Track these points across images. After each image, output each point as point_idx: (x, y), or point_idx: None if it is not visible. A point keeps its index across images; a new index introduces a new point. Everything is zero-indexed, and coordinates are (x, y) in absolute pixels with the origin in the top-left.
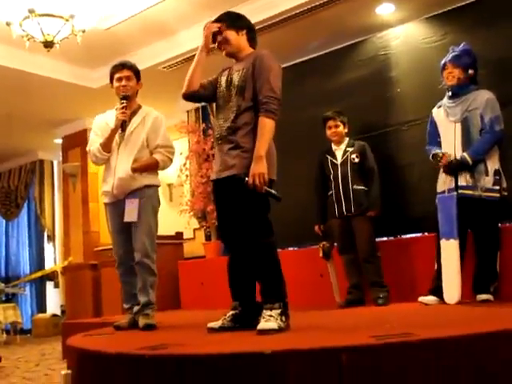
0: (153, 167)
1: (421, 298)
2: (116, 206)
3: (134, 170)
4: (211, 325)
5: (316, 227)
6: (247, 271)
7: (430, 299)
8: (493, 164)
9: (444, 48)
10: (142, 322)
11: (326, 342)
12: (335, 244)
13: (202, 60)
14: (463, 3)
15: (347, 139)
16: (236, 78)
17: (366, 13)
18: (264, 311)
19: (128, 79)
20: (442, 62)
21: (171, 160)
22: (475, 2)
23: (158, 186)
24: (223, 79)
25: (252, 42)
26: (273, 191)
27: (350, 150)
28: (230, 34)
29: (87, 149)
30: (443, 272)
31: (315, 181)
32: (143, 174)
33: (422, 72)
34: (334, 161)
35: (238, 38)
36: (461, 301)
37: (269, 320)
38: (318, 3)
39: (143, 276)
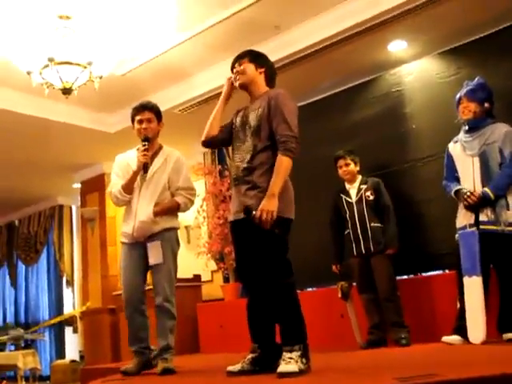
0: (174, 210)
1: (444, 338)
2: (135, 247)
3: (156, 214)
4: (230, 368)
5: (334, 267)
6: (266, 313)
7: (454, 339)
8: None
9: (458, 82)
10: (160, 366)
11: None
12: (353, 284)
13: (221, 109)
14: (475, 37)
15: (360, 177)
16: (252, 118)
17: (378, 50)
18: (284, 353)
19: (149, 121)
20: (457, 96)
21: (192, 202)
22: (487, 36)
23: (177, 229)
24: (238, 120)
25: (270, 81)
26: (276, 231)
27: (364, 187)
28: (248, 67)
29: (108, 190)
30: (467, 310)
31: (330, 221)
32: (164, 217)
33: (437, 107)
34: (348, 200)
35: (255, 73)
36: (486, 340)
37: (289, 362)
38: (330, 42)
39: (163, 320)
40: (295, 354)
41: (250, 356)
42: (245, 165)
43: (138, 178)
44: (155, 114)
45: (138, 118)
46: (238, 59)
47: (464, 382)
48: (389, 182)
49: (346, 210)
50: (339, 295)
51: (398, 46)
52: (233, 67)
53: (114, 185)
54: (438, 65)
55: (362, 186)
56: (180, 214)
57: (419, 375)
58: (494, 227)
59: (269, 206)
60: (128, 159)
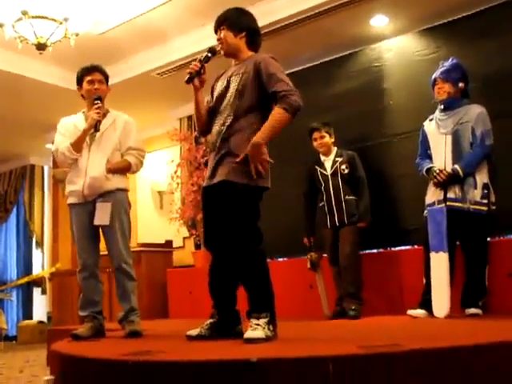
0: (126, 169)
1: (409, 311)
2: (84, 208)
3: (109, 171)
4: (189, 333)
5: (305, 239)
6: (229, 279)
7: (419, 312)
8: (481, 178)
9: (436, 61)
10: (127, 328)
11: (313, 351)
12: (324, 255)
13: (198, 98)
14: (456, 17)
15: (335, 149)
16: (235, 81)
17: (361, 24)
18: (251, 320)
19: (100, 82)
20: (432, 77)
21: (142, 163)
22: (468, 16)
23: (128, 191)
24: (219, 85)
25: (252, 44)
26: None
27: (339, 160)
28: (228, 36)
29: (53, 149)
30: (432, 285)
31: (304, 192)
32: (115, 175)
33: (415, 85)
34: (323, 172)
35: (235, 40)
36: (450, 314)
37: (256, 329)
38: (313, 12)
39: (123, 282)
40: (262, 321)
41: (208, 321)
42: (224, 128)
43: (87, 136)
44: (104, 77)
45: (88, 78)
46: (218, 25)
47: (425, 352)
48: (364, 156)
49: (321, 182)
50: (308, 266)
51: (379, 21)
52: (215, 32)
53: (61, 143)
54: (417, 42)
55: (337, 159)
56: (154, 179)
57: (383, 345)
58: (461, 205)
59: (258, 155)
60: (74, 121)
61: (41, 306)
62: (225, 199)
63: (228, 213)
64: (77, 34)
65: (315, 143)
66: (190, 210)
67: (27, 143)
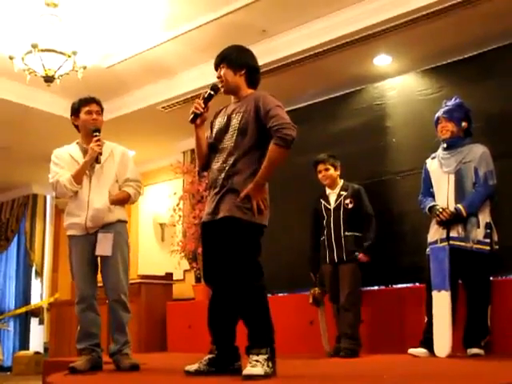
0: (125, 201)
1: (411, 350)
2: (86, 240)
3: (112, 202)
4: (187, 368)
5: (311, 274)
6: (229, 314)
7: (420, 351)
8: (484, 217)
9: (439, 101)
10: (125, 362)
11: None
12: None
13: (199, 135)
14: (459, 58)
15: (342, 182)
16: (236, 119)
17: (364, 63)
18: (250, 356)
19: (98, 113)
20: (436, 116)
21: (140, 194)
22: (470, 57)
23: (127, 222)
24: (219, 121)
25: (251, 81)
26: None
27: (344, 194)
28: (227, 74)
29: (51, 180)
30: (434, 324)
31: (310, 227)
32: (116, 207)
33: (417, 123)
34: (327, 206)
35: (235, 78)
36: (451, 354)
37: (255, 365)
38: (317, 51)
39: (120, 314)
40: (261, 357)
41: (207, 357)
42: (227, 166)
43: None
44: (101, 109)
45: (86, 108)
46: (218, 63)
47: None
48: (367, 193)
49: (324, 215)
50: (310, 301)
51: (383, 61)
52: (216, 69)
53: (60, 175)
54: (420, 82)
55: (341, 193)
56: (156, 211)
57: None
58: (464, 244)
59: (259, 194)
60: (69, 152)
61: (38, 336)
62: (227, 234)
63: (230, 248)
64: (84, 67)
65: (319, 175)
66: (191, 242)
67: (30, 172)
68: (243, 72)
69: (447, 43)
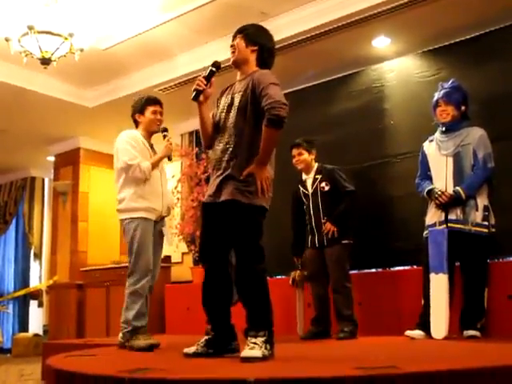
0: None
1: (407, 332)
2: (155, 225)
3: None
4: (186, 350)
5: (294, 258)
6: (223, 295)
7: (417, 333)
8: (482, 200)
9: (437, 83)
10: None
11: (310, 371)
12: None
13: (202, 113)
14: (458, 40)
15: (316, 165)
16: (238, 99)
17: (363, 45)
18: (249, 338)
19: (161, 114)
20: (434, 99)
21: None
22: (469, 39)
23: None
24: (223, 101)
25: (262, 61)
26: None
27: (319, 177)
28: (240, 44)
29: (130, 162)
30: (431, 306)
31: (291, 212)
32: None
33: (416, 105)
34: (305, 191)
35: (245, 51)
36: (448, 336)
37: (253, 348)
38: (316, 33)
39: (147, 301)
40: (259, 340)
41: (204, 338)
42: (230, 147)
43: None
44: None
45: (153, 108)
46: (236, 34)
47: (421, 375)
48: (364, 176)
49: (304, 201)
50: (290, 282)
51: (381, 42)
52: (232, 39)
53: (141, 160)
54: (419, 64)
55: (316, 176)
56: None
57: (380, 366)
58: (462, 226)
59: (262, 173)
60: (141, 139)
61: (37, 318)
62: (230, 218)
63: (233, 231)
64: (81, 50)
65: (293, 160)
66: (189, 225)
67: (28, 155)
68: (255, 48)
69: (446, 25)
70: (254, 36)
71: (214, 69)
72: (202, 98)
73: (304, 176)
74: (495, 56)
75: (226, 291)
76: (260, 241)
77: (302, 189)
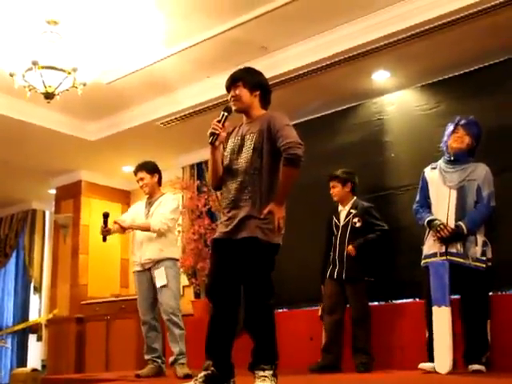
0: (145, 229)
1: (421, 365)
2: (145, 273)
3: (130, 227)
4: None
5: (322, 287)
6: (230, 330)
7: (430, 366)
8: (481, 235)
9: (437, 116)
10: (180, 371)
11: None
12: None
13: (215, 156)
14: (457, 73)
15: (354, 199)
16: (251, 140)
17: (363, 78)
18: (257, 372)
19: (142, 180)
20: (451, 125)
21: (163, 224)
22: (467, 73)
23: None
24: (231, 142)
25: (264, 102)
26: None
27: (354, 212)
28: (243, 93)
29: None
30: (435, 340)
31: (325, 241)
32: (167, 246)
33: (416, 138)
34: (337, 222)
35: (250, 98)
36: (452, 370)
37: (264, 380)
38: (316, 67)
39: (173, 330)
40: (268, 373)
41: (202, 373)
42: (248, 186)
43: None
44: (146, 172)
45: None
46: (233, 82)
47: None
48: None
49: (334, 231)
50: (319, 314)
51: (381, 76)
52: (228, 89)
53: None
54: (418, 97)
55: (351, 211)
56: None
57: None
58: (463, 260)
59: (280, 212)
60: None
61: (36, 353)
62: (248, 254)
63: (248, 267)
64: (84, 84)
65: (331, 191)
66: (190, 258)
67: (30, 188)
68: (258, 93)
69: (444, 59)
70: (254, 81)
71: (226, 113)
72: (217, 142)
73: (339, 207)
74: (493, 89)
75: (232, 328)
76: (271, 276)
77: (335, 219)
